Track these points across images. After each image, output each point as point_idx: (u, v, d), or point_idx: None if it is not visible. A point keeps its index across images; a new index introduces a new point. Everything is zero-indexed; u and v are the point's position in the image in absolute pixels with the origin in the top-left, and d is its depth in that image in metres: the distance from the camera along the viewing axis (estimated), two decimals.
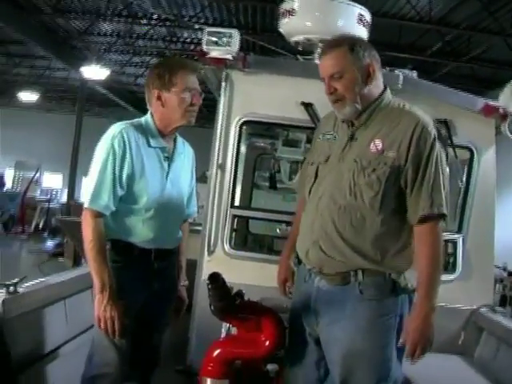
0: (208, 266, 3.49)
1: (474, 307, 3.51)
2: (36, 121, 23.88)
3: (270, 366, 2.73)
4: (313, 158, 2.48)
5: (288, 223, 4.44)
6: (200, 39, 11.40)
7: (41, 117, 24.31)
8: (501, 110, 3.36)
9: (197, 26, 12.29)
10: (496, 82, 12.35)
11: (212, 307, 2.24)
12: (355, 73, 2.25)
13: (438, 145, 2.23)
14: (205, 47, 3.30)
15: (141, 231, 2.49)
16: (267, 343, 2.25)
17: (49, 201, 19.16)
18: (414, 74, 3.56)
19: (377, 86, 2.32)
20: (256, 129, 4.53)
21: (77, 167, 16.91)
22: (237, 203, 3.86)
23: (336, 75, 2.25)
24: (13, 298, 2.47)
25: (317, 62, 3.69)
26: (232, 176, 3.56)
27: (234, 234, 3.78)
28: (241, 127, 3.58)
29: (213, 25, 12.00)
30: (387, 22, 9.30)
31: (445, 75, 12.44)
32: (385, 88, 2.36)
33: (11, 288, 2.49)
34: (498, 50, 10.24)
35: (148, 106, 2.61)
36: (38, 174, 21.08)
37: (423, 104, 2.83)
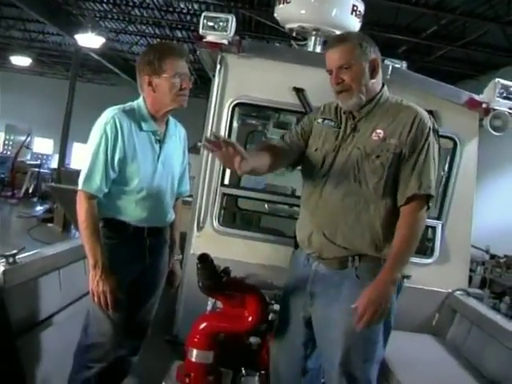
0: (197, 242, 3.64)
1: (449, 290, 3.68)
2: (28, 84, 23.68)
3: (253, 339, 2.91)
4: (316, 144, 2.56)
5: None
6: (196, 10, 11.37)
7: (33, 80, 24.10)
8: (484, 105, 3.48)
9: None
10: (490, 66, 12.49)
11: (200, 284, 2.38)
12: (363, 66, 2.38)
13: (432, 135, 2.38)
14: (201, 31, 3.37)
15: (133, 211, 2.62)
16: (250, 319, 2.40)
17: (39, 166, 19.04)
18: (404, 64, 3.66)
19: (378, 81, 2.46)
20: (248, 110, 4.62)
21: (68, 133, 16.89)
22: (227, 181, 3.98)
23: (345, 66, 2.37)
24: (12, 269, 2.59)
25: (310, 49, 3.84)
26: None
27: (222, 211, 3.90)
28: (233, 108, 3.68)
29: None
30: (384, 4, 9.29)
31: (439, 58, 12.51)
32: (383, 85, 2.49)
33: (10, 259, 2.61)
34: (493, 36, 10.30)
35: (140, 91, 2.70)
36: (28, 139, 20.95)
37: (411, 95, 2.97)
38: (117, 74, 20.25)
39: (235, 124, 4.76)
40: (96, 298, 2.50)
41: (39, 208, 14.64)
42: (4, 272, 2.52)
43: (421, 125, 2.36)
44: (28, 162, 19.88)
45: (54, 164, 21.14)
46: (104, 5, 13.84)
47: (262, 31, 13.11)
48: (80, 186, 2.54)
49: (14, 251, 2.66)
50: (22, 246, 2.80)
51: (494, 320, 3.28)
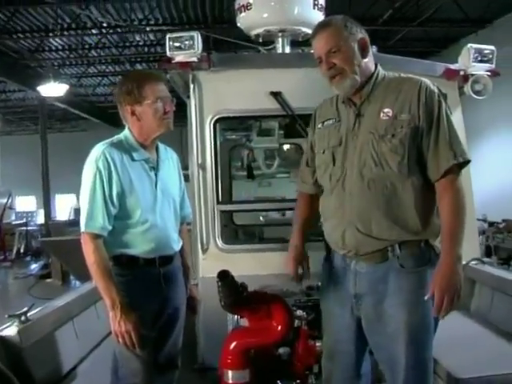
0: (204, 264, 3.58)
1: (464, 262, 3.65)
2: None
3: (282, 350, 2.85)
4: (322, 147, 2.47)
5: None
6: (153, 41, 11.32)
7: (3, 141, 23.92)
8: (462, 73, 3.48)
9: (148, 29, 12.26)
10: (449, 40, 12.64)
11: (222, 303, 2.32)
12: (352, 46, 2.30)
13: (443, 100, 2.29)
14: (169, 53, 3.35)
15: (141, 244, 2.55)
16: (279, 328, 2.34)
17: (26, 224, 18.86)
18: (374, 48, 3.65)
19: (371, 61, 2.38)
20: (229, 124, 4.60)
21: (49, 186, 16.75)
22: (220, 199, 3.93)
23: (333, 49, 2.29)
24: (26, 327, 2.52)
25: (278, 51, 3.83)
26: (214, 173, 3.64)
27: (224, 229, 3.85)
28: (215, 125, 3.65)
29: (163, 24, 11.98)
30: None
31: (399, 41, 12.62)
32: (376, 64, 2.41)
33: (23, 317, 2.55)
34: (447, 10, 10.43)
35: (124, 122, 2.65)
36: (10, 200, 20.74)
37: None
38: (86, 118, 20.20)
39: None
40: (120, 339, 2.41)
41: (34, 266, 14.45)
42: (19, 331, 2.46)
43: (428, 93, 2.26)
44: (14, 223, 19.69)
45: (40, 219, 20.95)
46: (60, 52, 13.82)
47: (220, 49, 13.16)
48: (83, 229, 2.46)
49: (25, 309, 2.60)
50: (26, 306, 2.71)
51: None
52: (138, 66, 15.69)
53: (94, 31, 12.39)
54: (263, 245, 3.76)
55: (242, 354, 2.37)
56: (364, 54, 2.33)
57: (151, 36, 13.07)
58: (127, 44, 13.62)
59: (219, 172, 3.80)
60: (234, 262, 3.54)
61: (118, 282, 2.49)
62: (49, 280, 11.59)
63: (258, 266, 3.54)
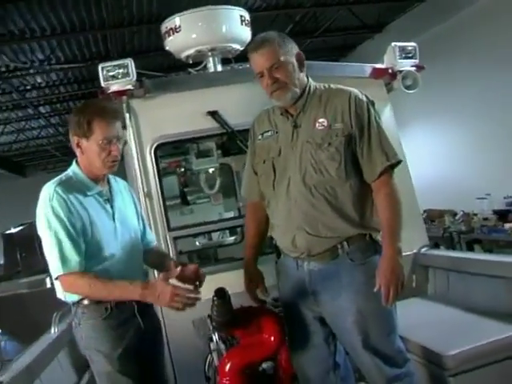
0: None
1: (415, 251, 3.81)
2: None
3: (265, 364, 2.82)
4: (263, 157, 2.61)
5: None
6: (55, 81, 10.95)
7: None
8: (390, 70, 3.65)
9: (48, 67, 11.87)
10: (347, 47, 13.20)
11: (215, 323, 2.27)
12: (291, 61, 2.46)
13: (372, 107, 2.49)
14: (103, 83, 3.27)
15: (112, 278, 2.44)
16: (272, 339, 2.33)
17: None
18: None
19: (304, 74, 2.54)
20: (165, 150, 4.54)
21: None
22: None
23: (276, 65, 2.43)
24: None
25: (210, 71, 3.84)
26: (161, 200, 3.57)
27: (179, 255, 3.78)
28: (155, 151, 3.59)
29: (65, 62, 11.65)
30: None
31: (303, 52, 13.01)
32: (307, 77, 2.57)
33: None
34: (344, 19, 10.86)
35: (74, 150, 2.56)
36: None
37: (316, 81, 3.04)
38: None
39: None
40: (176, 304, 2.26)
41: None
42: None
43: (358, 102, 2.46)
44: None
45: None
46: None
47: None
48: (59, 272, 2.33)
49: None
50: None
51: (466, 257, 3.48)
52: (42, 109, 15.14)
53: None
54: (220, 265, 3.70)
55: (239, 373, 2.34)
56: (302, 68, 2.52)
57: (53, 76, 12.66)
58: (28, 87, 13.10)
59: (165, 199, 3.73)
60: None
61: (91, 325, 2.41)
62: None
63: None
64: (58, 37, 10.03)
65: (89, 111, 2.50)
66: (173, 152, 4.87)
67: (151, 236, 2.89)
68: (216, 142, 4.27)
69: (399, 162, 2.51)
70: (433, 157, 10.15)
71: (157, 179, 3.58)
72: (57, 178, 2.49)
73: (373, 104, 2.54)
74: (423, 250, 3.82)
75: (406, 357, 2.53)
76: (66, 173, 2.55)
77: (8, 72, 11.65)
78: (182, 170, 5.27)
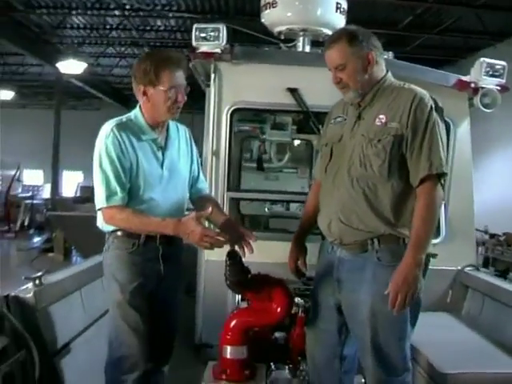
0: None
1: (459, 268, 3.79)
2: (12, 118, 23.58)
3: (278, 334, 3.00)
4: (327, 140, 2.72)
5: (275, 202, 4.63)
6: (173, 26, 11.42)
7: (16, 113, 24.02)
8: (472, 85, 3.60)
9: (170, 15, 12.36)
10: (467, 50, 12.69)
11: (228, 282, 2.46)
12: (355, 63, 2.49)
13: (434, 114, 2.46)
14: (194, 43, 3.48)
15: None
16: (279, 310, 2.49)
17: (32, 197, 19.05)
18: (390, 54, 3.78)
19: (379, 69, 2.56)
20: (244, 115, 4.72)
21: (58, 162, 16.90)
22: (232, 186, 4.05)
23: (340, 67, 2.50)
24: (41, 290, 2.66)
25: (298, 49, 3.96)
26: (226, 161, 3.77)
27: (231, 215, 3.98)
28: (232, 115, 3.78)
29: (185, 11, 12.07)
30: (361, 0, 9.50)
31: (417, 47, 12.69)
32: (387, 71, 2.60)
33: (37, 281, 2.68)
34: (467, 21, 10.49)
35: (137, 97, 2.67)
36: (18, 172, 20.92)
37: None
38: (100, 98, 20.32)
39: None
40: (208, 239, 2.38)
41: (37, 239, 14.64)
42: (35, 293, 2.60)
43: (420, 105, 2.43)
44: (20, 195, 19.89)
45: (46, 194, 21.14)
46: (82, 30, 13.92)
47: (240, 40, 13.24)
48: (103, 204, 2.52)
49: (40, 273, 2.73)
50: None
51: (506, 288, 3.41)
52: (182, 54, 15.73)
53: (116, 12, 12.49)
54: (267, 233, 3.88)
55: (241, 332, 2.50)
56: (369, 68, 2.51)
57: (172, 22, 13.16)
58: (148, 28, 13.71)
59: (232, 161, 3.94)
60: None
61: (116, 255, 2.61)
62: (51, 254, 11.78)
63: (261, 254, 3.64)
64: None
65: (155, 59, 2.58)
66: (254, 119, 5.03)
67: (203, 184, 2.96)
68: (293, 118, 4.38)
69: (442, 174, 2.45)
70: None
71: (227, 141, 3.77)
72: (118, 118, 2.63)
73: (440, 110, 2.51)
74: (467, 268, 3.79)
75: (407, 366, 2.55)
76: (127, 115, 2.69)
77: (132, 10, 12.25)
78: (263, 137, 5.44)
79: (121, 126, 2.58)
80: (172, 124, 2.78)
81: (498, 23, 10.54)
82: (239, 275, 2.45)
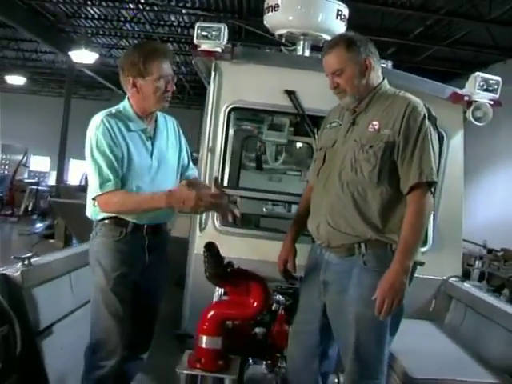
0: (200, 242, 3.76)
1: (444, 278, 3.84)
2: (22, 103, 23.76)
3: (258, 329, 3.06)
4: (321, 144, 2.77)
5: (273, 201, 4.71)
6: (186, 23, 11.49)
7: (27, 99, 24.20)
8: (466, 98, 3.65)
9: (184, 11, 12.45)
10: (477, 64, 12.69)
11: (207, 273, 2.53)
12: (353, 68, 2.53)
13: (427, 123, 2.48)
14: (196, 40, 3.54)
15: None
16: (255, 305, 2.55)
17: (37, 183, 19.20)
18: (389, 63, 3.84)
19: (376, 76, 2.61)
20: (243, 114, 4.79)
21: (66, 150, 17.01)
22: (225, 184, 4.13)
23: (337, 72, 2.55)
24: (29, 270, 2.74)
25: (299, 53, 4.03)
26: (221, 158, 3.83)
27: None
28: (229, 113, 3.84)
29: (199, 9, 12.16)
30: (370, 8, 9.54)
31: (426, 58, 12.73)
32: (383, 78, 2.64)
33: (26, 261, 2.76)
34: (478, 34, 10.51)
35: (125, 89, 2.74)
36: (25, 157, 21.10)
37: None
38: (111, 89, 20.40)
39: (231, 131, 4.94)
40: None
41: (39, 225, 14.78)
42: (22, 272, 2.67)
43: (413, 113, 2.46)
44: (26, 181, 20.06)
45: (51, 181, 21.29)
46: (96, 21, 14.04)
47: (251, 39, 13.33)
48: (98, 192, 2.57)
49: (29, 254, 2.81)
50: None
51: (488, 301, 3.43)
52: (169, 46, 15.88)
53: (131, 5, 12.59)
54: (258, 232, 3.94)
55: (217, 323, 2.56)
56: (366, 73, 2.56)
57: (186, 18, 13.24)
58: (161, 22, 13.80)
59: (227, 158, 4.00)
60: (228, 244, 3.68)
61: (103, 242, 2.66)
62: (52, 240, 11.91)
63: (250, 251, 3.72)
64: None
65: (143, 51, 2.64)
66: (253, 119, 5.10)
67: (193, 171, 3.04)
68: (291, 120, 4.45)
69: (432, 183, 2.48)
70: None
71: (224, 138, 3.83)
72: (107, 110, 2.69)
73: (433, 119, 2.53)
74: (452, 279, 3.83)
75: (382, 370, 2.58)
76: (116, 106, 2.73)
77: (146, 5, 12.36)
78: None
79: (111, 117, 2.64)
80: (160, 115, 2.85)
81: (509, 38, 10.55)
82: (217, 268, 2.51)
